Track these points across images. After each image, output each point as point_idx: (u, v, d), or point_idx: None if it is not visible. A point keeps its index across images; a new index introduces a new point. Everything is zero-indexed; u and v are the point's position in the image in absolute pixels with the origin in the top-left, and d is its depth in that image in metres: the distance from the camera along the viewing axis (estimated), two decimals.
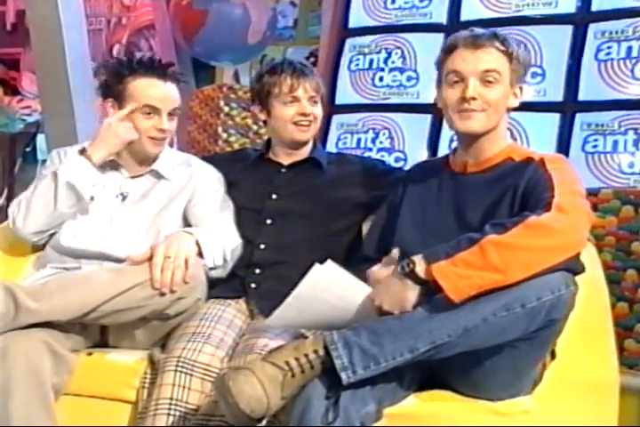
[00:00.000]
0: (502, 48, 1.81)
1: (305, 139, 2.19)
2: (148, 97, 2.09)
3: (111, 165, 2.16)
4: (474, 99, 1.79)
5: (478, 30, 1.84)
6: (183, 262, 1.86)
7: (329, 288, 1.67)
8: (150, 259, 1.87)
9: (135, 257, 1.92)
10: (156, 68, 2.13)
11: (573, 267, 1.61)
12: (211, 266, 1.98)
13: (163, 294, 1.84)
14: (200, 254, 1.95)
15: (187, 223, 2.15)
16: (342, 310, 1.68)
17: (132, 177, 2.17)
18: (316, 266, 1.67)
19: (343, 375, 1.52)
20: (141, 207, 2.14)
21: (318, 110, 2.18)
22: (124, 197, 2.15)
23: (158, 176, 2.17)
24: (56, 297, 1.82)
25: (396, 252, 1.79)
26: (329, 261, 1.69)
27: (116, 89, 2.12)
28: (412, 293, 1.59)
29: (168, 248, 1.87)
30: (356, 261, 1.99)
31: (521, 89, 1.87)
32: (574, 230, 1.62)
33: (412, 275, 1.59)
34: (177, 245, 1.89)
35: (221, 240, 2.04)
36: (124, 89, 2.10)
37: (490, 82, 1.80)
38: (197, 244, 1.95)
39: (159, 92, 2.10)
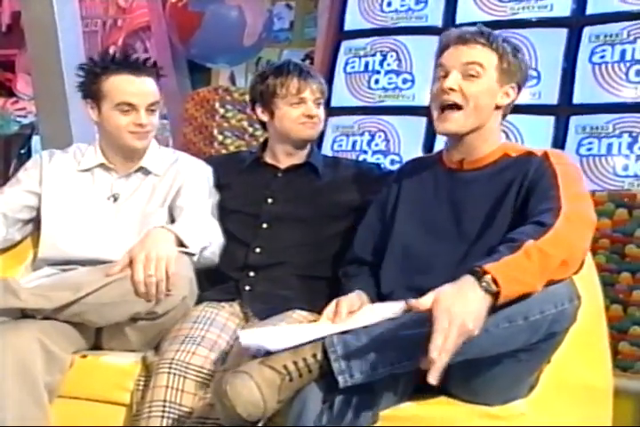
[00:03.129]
0: (487, 43, 1.80)
1: (312, 136, 2.20)
2: (122, 94, 2.07)
3: (101, 167, 2.16)
4: (452, 90, 1.77)
5: (466, 28, 1.83)
6: (164, 275, 1.83)
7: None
8: (130, 263, 1.84)
9: (113, 270, 1.86)
10: (128, 64, 2.10)
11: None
12: (195, 252, 1.94)
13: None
14: (182, 245, 1.92)
15: (172, 218, 2.13)
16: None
17: (122, 177, 2.16)
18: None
19: (340, 379, 1.51)
20: (132, 206, 2.13)
21: (322, 112, 2.20)
22: (116, 199, 2.14)
23: (147, 173, 2.16)
24: (45, 291, 1.85)
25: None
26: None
27: (92, 89, 2.10)
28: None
29: (147, 263, 1.83)
30: (345, 263, 1.99)
31: (513, 88, 1.84)
32: (580, 242, 1.60)
33: (493, 298, 1.46)
34: (155, 255, 1.84)
35: (200, 225, 2.03)
36: (98, 88, 2.08)
37: (472, 76, 1.78)
38: (177, 237, 1.92)
39: (133, 87, 2.08)
